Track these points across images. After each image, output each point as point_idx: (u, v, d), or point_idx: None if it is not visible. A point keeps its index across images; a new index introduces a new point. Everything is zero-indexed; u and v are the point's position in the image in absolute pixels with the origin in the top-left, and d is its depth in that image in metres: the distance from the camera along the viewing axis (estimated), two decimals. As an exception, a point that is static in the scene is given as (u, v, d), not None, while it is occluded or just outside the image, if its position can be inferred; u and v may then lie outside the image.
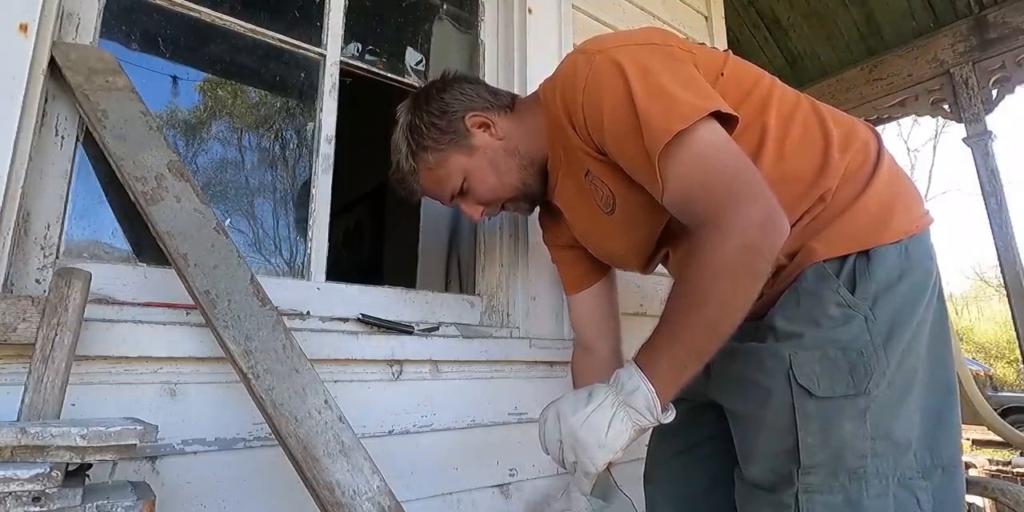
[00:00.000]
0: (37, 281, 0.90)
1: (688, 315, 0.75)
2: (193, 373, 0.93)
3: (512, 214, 1.28)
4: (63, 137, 0.96)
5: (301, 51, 1.29)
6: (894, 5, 2.94)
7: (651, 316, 1.53)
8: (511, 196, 1.06)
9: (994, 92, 2.82)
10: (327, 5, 1.34)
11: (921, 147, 29.24)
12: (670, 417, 0.80)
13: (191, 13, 1.16)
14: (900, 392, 0.79)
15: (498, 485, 1.26)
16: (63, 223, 0.94)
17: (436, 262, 1.58)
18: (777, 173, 0.83)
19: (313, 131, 1.27)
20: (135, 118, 0.95)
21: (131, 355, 0.87)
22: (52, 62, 0.93)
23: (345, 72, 1.34)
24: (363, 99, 1.63)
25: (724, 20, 2.18)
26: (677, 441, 1.06)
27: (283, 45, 1.27)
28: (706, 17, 2.12)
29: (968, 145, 2.86)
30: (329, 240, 1.22)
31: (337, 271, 1.23)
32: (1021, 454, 5.34)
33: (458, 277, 1.56)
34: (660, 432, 1.04)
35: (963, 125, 2.88)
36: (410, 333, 1.18)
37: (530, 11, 1.56)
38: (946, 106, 2.95)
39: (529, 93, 1.22)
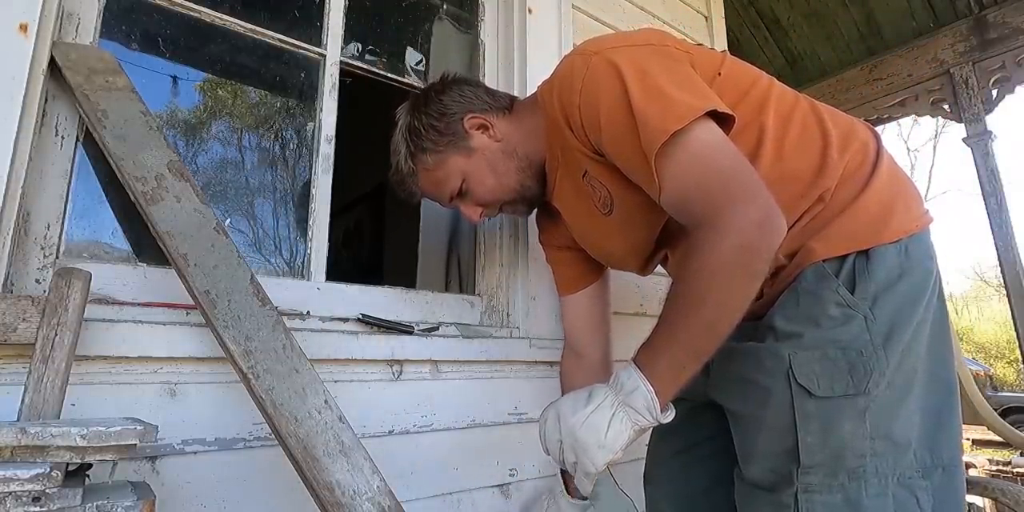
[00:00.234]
0: (37, 281, 0.90)
1: (686, 315, 0.75)
2: (193, 373, 0.93)
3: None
4: (63, 137, 0.96)
5: (301, 51, 1.29)
6: (894, 5, 2.94)
7: (651, 316, 1.52)
8: (510, 198, 1.06)
9: (994, 92, 2.82)
10: (327, 5, 1.34)
11: (921, 147, 29.28)
12: (669, 417, 0.80)
13: (191, 13, 1.16)
14: (900, 392, 0.79)
15: (498, 485, 1.25)
16: (63, 223, 0.94)
17: (436, 262, 1.58)
18: (776, 173, 0.83)
19: (313, 131, 1.27)
20: (135, 118, 0.95)
21: (131, 355, 0.87)
22: (52, 62, 0.93)
23: (345, 72, 1.33)
24: (363, 99, 1.63)
25: (724, 20, 2.18)
26: (677, 441, 1.06)
27: (283, 45, 1.27)
28: (706, 17, 2.12)
29: (968, 145, 2.86)
30: (329, 240, 1.22)
31: (337, 271, 1.23)
32: (1021, 454, 5.34)
33: (458, 277, 1.56)
34: (660, 432, 1.04)
35: (963, 125, 2.88)
36: (410, 333, 1.18)
37: (530, 11, 1.56)
38: (946, 106, 2.95)
39: (529, 93, 1.22)
